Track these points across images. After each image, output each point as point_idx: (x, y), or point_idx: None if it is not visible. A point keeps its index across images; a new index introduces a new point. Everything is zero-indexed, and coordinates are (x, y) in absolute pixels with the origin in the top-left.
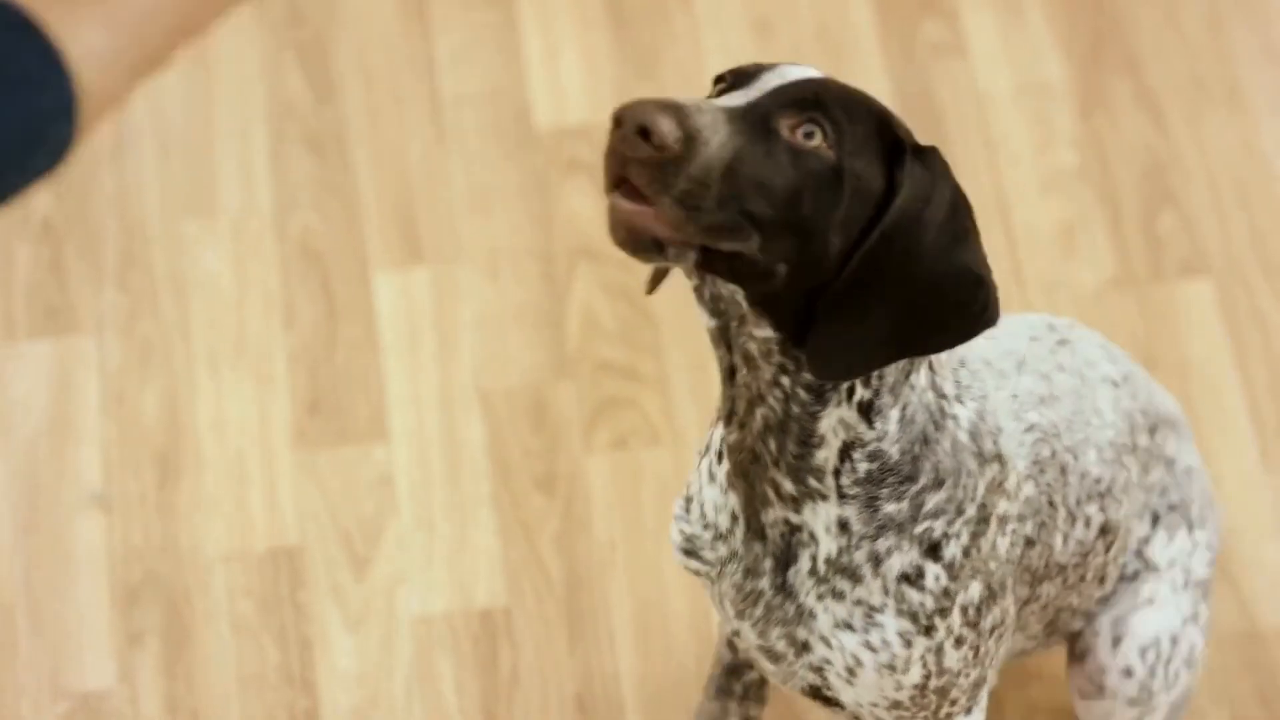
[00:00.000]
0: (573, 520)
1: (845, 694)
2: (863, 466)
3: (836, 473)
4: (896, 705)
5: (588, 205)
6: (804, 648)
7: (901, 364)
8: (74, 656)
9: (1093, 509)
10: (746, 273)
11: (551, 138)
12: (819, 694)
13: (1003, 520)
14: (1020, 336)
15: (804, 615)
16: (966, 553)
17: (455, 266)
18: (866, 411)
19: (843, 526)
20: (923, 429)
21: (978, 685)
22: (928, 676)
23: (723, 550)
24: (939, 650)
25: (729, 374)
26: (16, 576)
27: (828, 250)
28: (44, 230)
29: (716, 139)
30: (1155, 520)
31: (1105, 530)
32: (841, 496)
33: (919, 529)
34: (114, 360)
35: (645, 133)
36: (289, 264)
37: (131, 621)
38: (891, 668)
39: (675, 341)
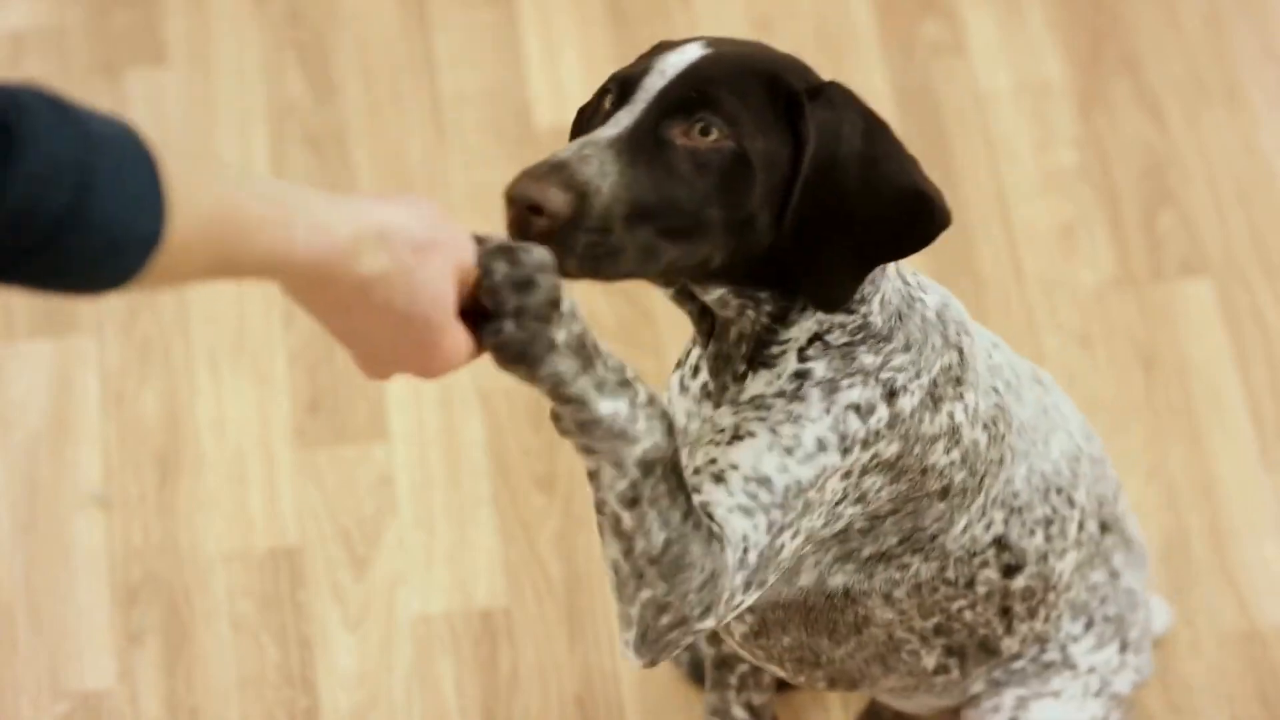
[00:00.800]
0: (573, 519)
1: (709, 452)
2: (841, 340)
3: (800, 350)
4: (764, 482)
5: None
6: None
7: None
8: (74, 656)
9: (998, 515)
10: (678, 271)
11: (551, 136)
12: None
13: (953, 431)
14: (1000, 340)
15: (709, 421)
16: (912, 413)
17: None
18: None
19: (798, 375)
20: (898, 307)
21: (798, 550)
22: (812, 484)
23: (694, 427)
24: (834, 472)
25: (701, 312)
26: (16, 576)
27: (755, 225)
28: None
29: (608, 184)
30: (1089, 624)
31: (1002, 544)
32: (802, 359)
33: (884, 375)
34: (114, 360)
35: (536, 208)
36: None
37: (131, 621)
38: (788, 451)
39: (675, 340)
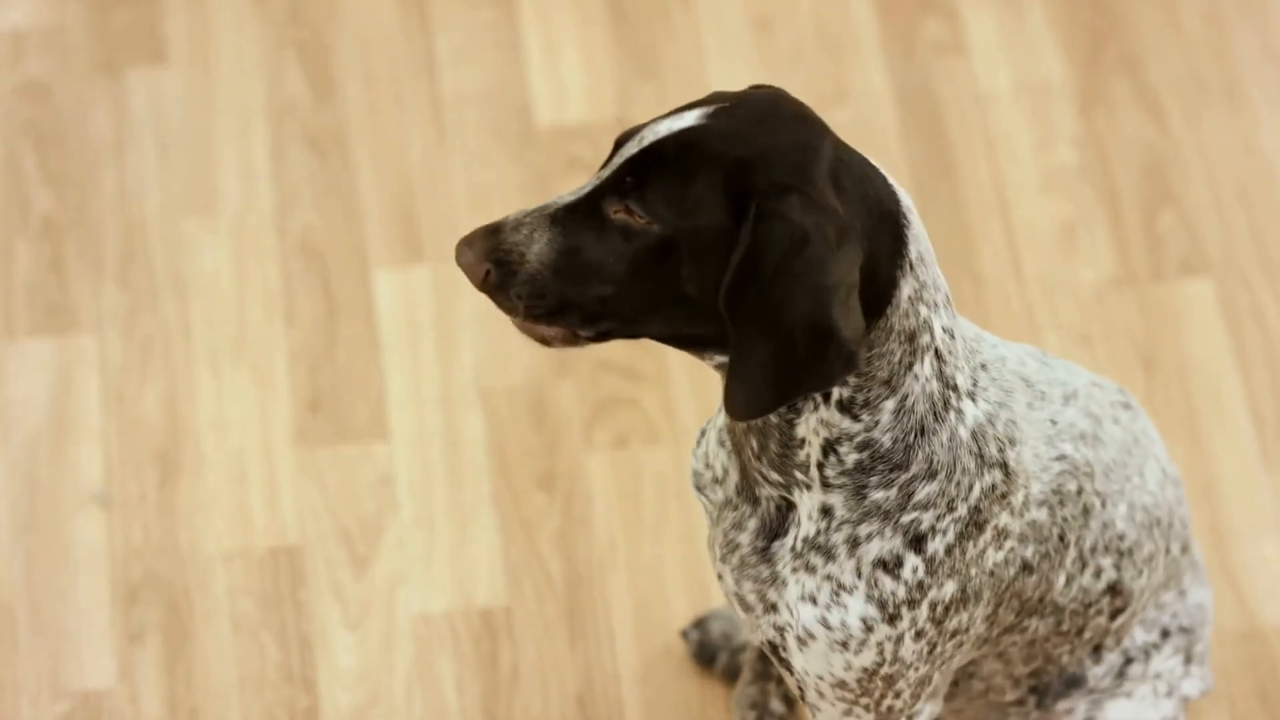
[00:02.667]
0: (573, 519)
1: (796, 659)
2: (851, 458)
3: (820, 465)
4: (841, 685)
5: None
6: (771, 608)
7: (900, 355)
8: (74, 655)
9: (1106, 561)
10: (650, 334)
11: (552, 136)
12: (776, 652)
13: (1001, 534)
14: (1079, 376)
15: (776, 581)
16: (949, 551)
17: (456, 265)
18: (849, 408)
19: (825, 511)
20: (921, 419)
21: (922, 683)
22: (880, 663)
23: (719, 495)
24: (898, 640)
25: None
26: (16, 575)
27: (691, 305)
28: (44, 228)
29: (534, 250)
30: (1165, 634)
31: (1115, 591)
32: (825, 485)
33: (906, 518)
34: (114, 359)
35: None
36: (289, 262)
37: (131, 620)
38: (844, 646)
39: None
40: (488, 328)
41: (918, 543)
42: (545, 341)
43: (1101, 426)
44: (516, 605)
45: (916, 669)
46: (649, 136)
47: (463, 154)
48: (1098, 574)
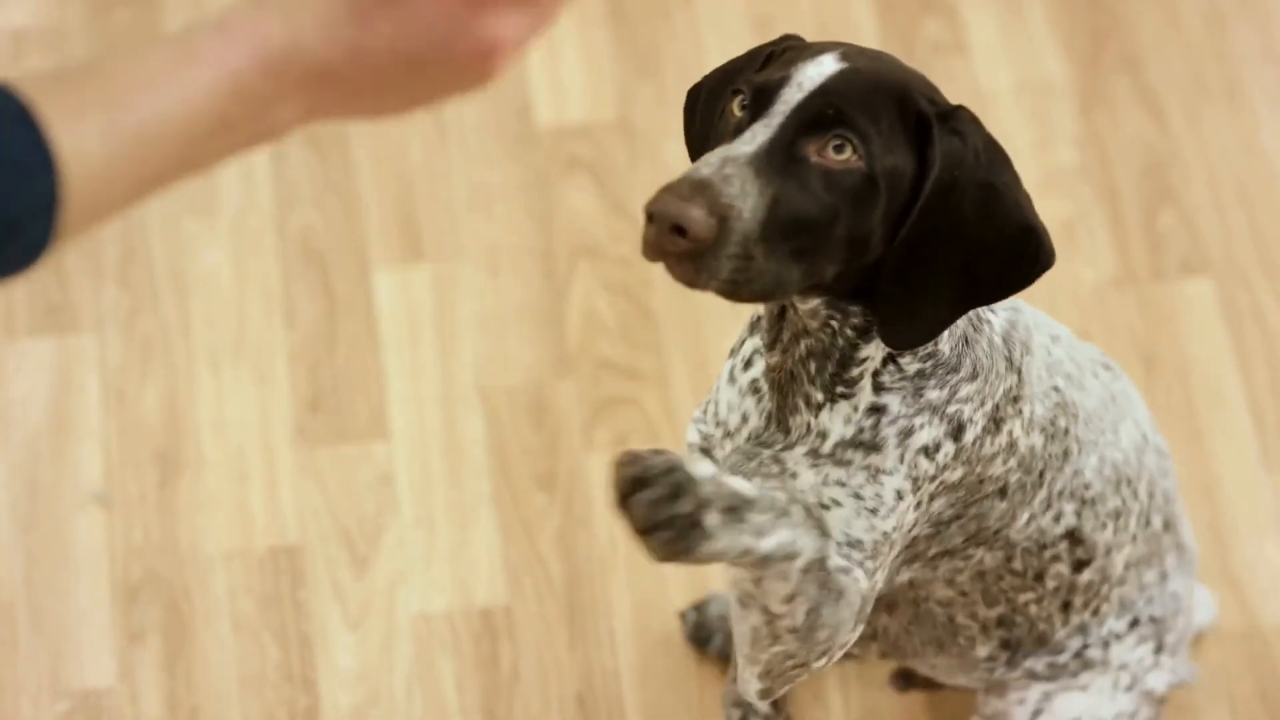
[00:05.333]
0: (573, 518)
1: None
2: (913, 367)
3: (875, 374)
4: (856, 545)
5: (588, 203)
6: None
7: None
8: (74, 655)
9: (1068, 507)
10: (797, 290)
11: (552, 136)
12: None
13: (1012, 447)
14: (1063, 330)
15: (784, 473)
16: (975, 441)
17: (455, 264)
18: None
19: (873, 410)
20: (964, 331)
21: (879, 570)
22: (897, 527)
23: (728, 448)
24: (914, 507)
25: (778, 315)
26: (17, 574)
27: (870, 242)
28: None
29: (749, 205)
30: (1134, 623)
31: (1074, 538)
32: (878, 389)
33: (950, 409)
34: (114, 358)
35: (679, 229)
36: (289, 262)
37: (132, 620)
38: (874, 512)
39: (675, 340)
40: (488, 328)
41: (958, 432)
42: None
43: (1084, 375)
44: (516, 605)
45: (897, 549)
46: (808, 81)
47: (463, 154)
48: (1058, 518)
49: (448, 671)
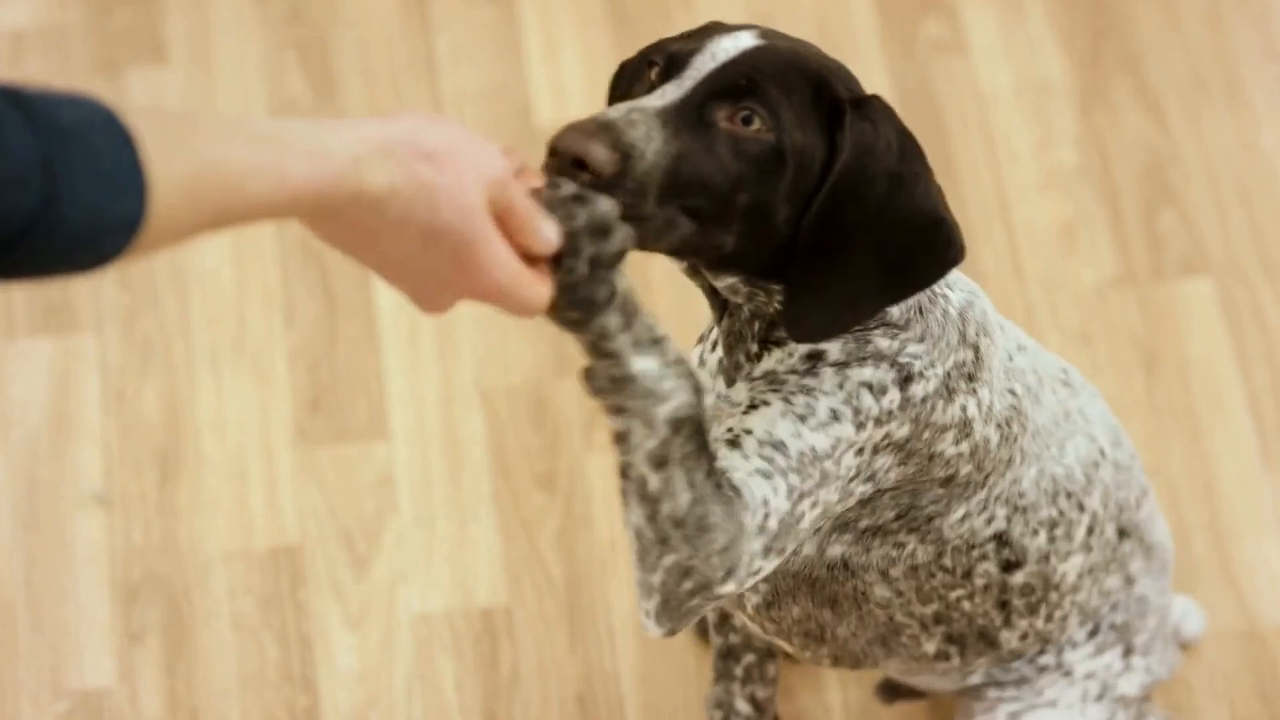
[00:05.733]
0: (573, 518)
1: (728, 421)
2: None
3: None
4: (779, 447)
5: None
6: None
7: None
8: (74, 654)
9: (1000, 511)
10: (691, 250)
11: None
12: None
13: (964, 425)
14: (1031, 342)
15: (732, 402)
16: (924, 400)
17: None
18: None
19: (811, 356)
20: (918, 300)
21: (824, 514)
22: (828, 454)
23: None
24: (851, 447)
25: (711, 290)
26: (17, 574)
27: (775, 219)
28: None
29: (651, 148)
30: (1094, 631)
31: (1002, 541)
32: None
33: (900, 359)
34: (114, 358)
35: (580, 162)
36: (289, 262)
37: (132, 620)
38: (802, 419)
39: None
40: (488, 328)
41: (905, 381)
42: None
43: (1043, 387)
44: (516, 605)
45: (831, 492)
46: (722, 53)
47: None
48: (989, 520)
49: (448, 671)
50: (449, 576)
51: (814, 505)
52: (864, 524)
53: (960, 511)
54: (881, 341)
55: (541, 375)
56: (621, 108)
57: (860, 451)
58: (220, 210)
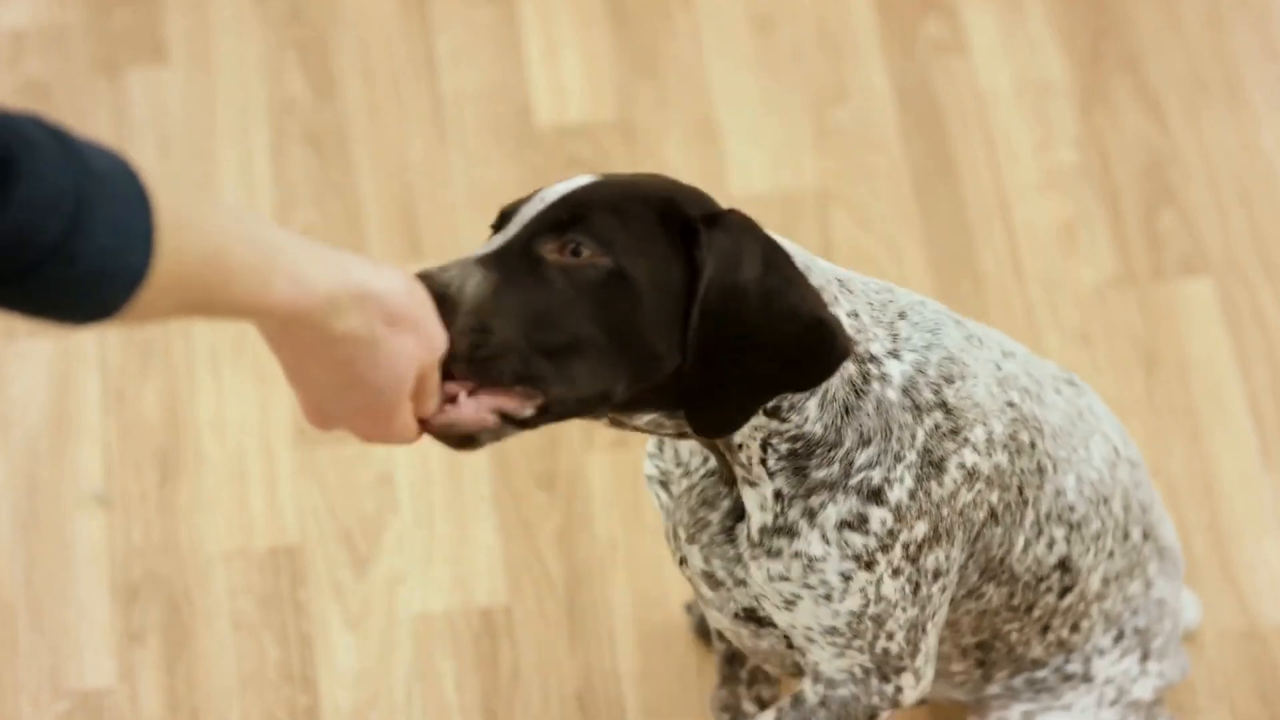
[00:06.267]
0: (573, 518)
1: (779, 617)
2: (784, 447)
3: (763, 460)
4: (832, 630)
5: None
6: (740, 582)
7: None
8: (74, 654)
9: (1059, 533)
10: (588, 407)
11: (552, 135)
12: (754, 616)
13: (971, 474)
14: (1020, 347)
15: (740, 560)
16: (913, 495)
17: None
18: (775, 413)
19: (777, 496)
20: (844, 401)
21: (915, 628)
22: (865, 604)
23: (683, 484)
24: (878, 582)
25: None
26: (17, 574)
27: (655, 353)
28: None
29: (470, 285)
30: (1119, 637)
31: (1065, 567)
32: (771, 474)
33: (853, 480)
34: (114, 358)
35: None
36: None
37: (132, 620)
38: (828, 599)
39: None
40: None
41: (877, 496)
42: (468, 439)
43: (1044, 390)
44: (516, 605)
45: (904, 609)
46: (552, 195)
47: (463, 154)
48: (1050, 545)
49: (448, 671)
50: (449, 576)
51: (892, 636)
52: (960, 592)
53: (1020, 541)
54: (819, 472)
55: None
56: (444, 263)
57: (896, 572)
58: (205, 296)
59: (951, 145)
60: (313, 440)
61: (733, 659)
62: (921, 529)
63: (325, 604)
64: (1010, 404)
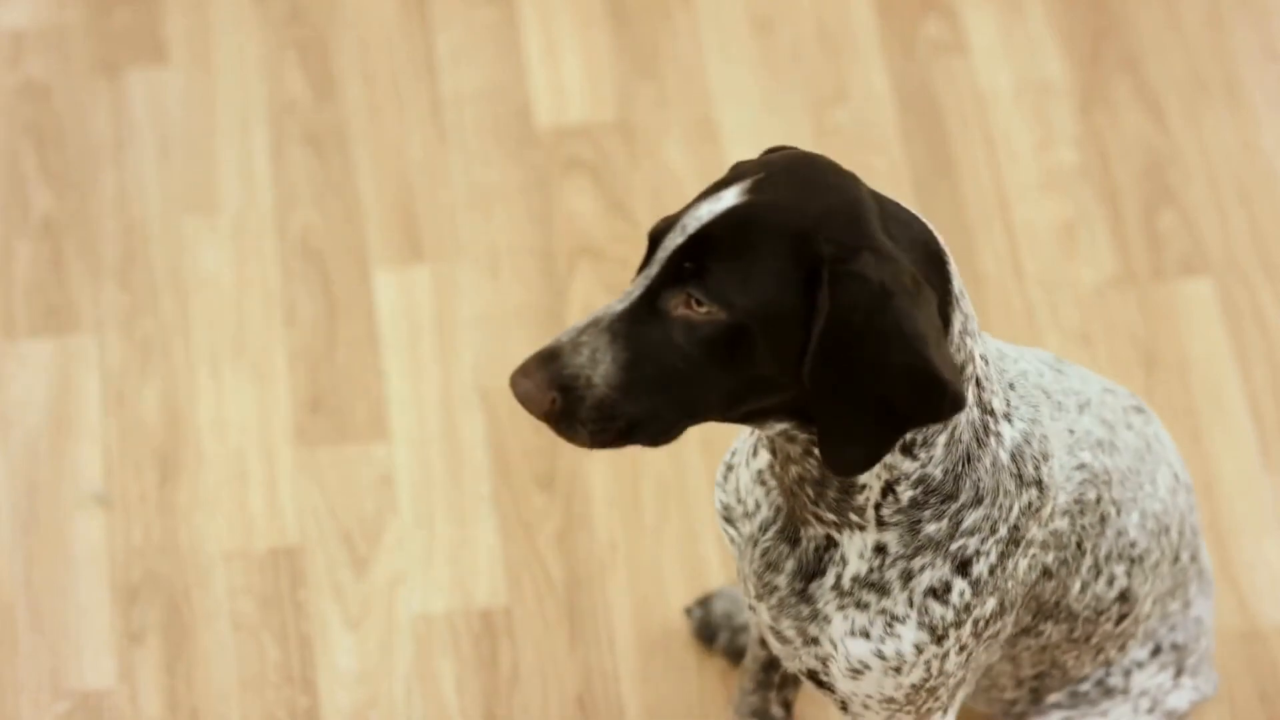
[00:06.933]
0: (573, 519)
1: (842, 685)
2: (907, 495)
3: (878, 506)
4: (890, 701)
5: (588, 204)
6: (812, 641)
7: None
8: (74, 655)
9: (1119, 569)
10: (717, 419)
11: (552, 136)
12: (815, 677)
13: (1028, 544)
14: (1091, 383)
15: (818, 617)
16: (992, 571)
17: (455, 265)
18: (910, 449)
19: (878, 550)
20: (967, 447)
21: (960, 686)
22: (927, 679)
23: (748, 528)
24: (944, 656)
25: (769, 442)
26: (16, 575)
27: (769, 380)
28: (44, 228)
29: (600, 371)
30: (1156, 651)
31: (1124, 598)
32: (880, 524)
33: (954, 545)
34: (114, 359)
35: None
36: (289, 262)
37: (131, 620)
38: (897, 670)
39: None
40: (488, 328)
41: (964, 567)
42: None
43: (1115, 433)
44: (516, 605)
45: (957, 677)
46: (692, 224)
47: (463, 154)
48: (1110, 581)
49: (447, 672)
50: (449, 577)
51: (942, 695)
52: (1010, 632)
53: (1076, 585)
54: (930, 526)
55: None
56: (578, 325)
57: (961, 650)
58: None
59: (951, 145)
60: (313, 440)
61: (770, 666)
62: (991, 605)
63: (325, 604)
64: (1080, 466)
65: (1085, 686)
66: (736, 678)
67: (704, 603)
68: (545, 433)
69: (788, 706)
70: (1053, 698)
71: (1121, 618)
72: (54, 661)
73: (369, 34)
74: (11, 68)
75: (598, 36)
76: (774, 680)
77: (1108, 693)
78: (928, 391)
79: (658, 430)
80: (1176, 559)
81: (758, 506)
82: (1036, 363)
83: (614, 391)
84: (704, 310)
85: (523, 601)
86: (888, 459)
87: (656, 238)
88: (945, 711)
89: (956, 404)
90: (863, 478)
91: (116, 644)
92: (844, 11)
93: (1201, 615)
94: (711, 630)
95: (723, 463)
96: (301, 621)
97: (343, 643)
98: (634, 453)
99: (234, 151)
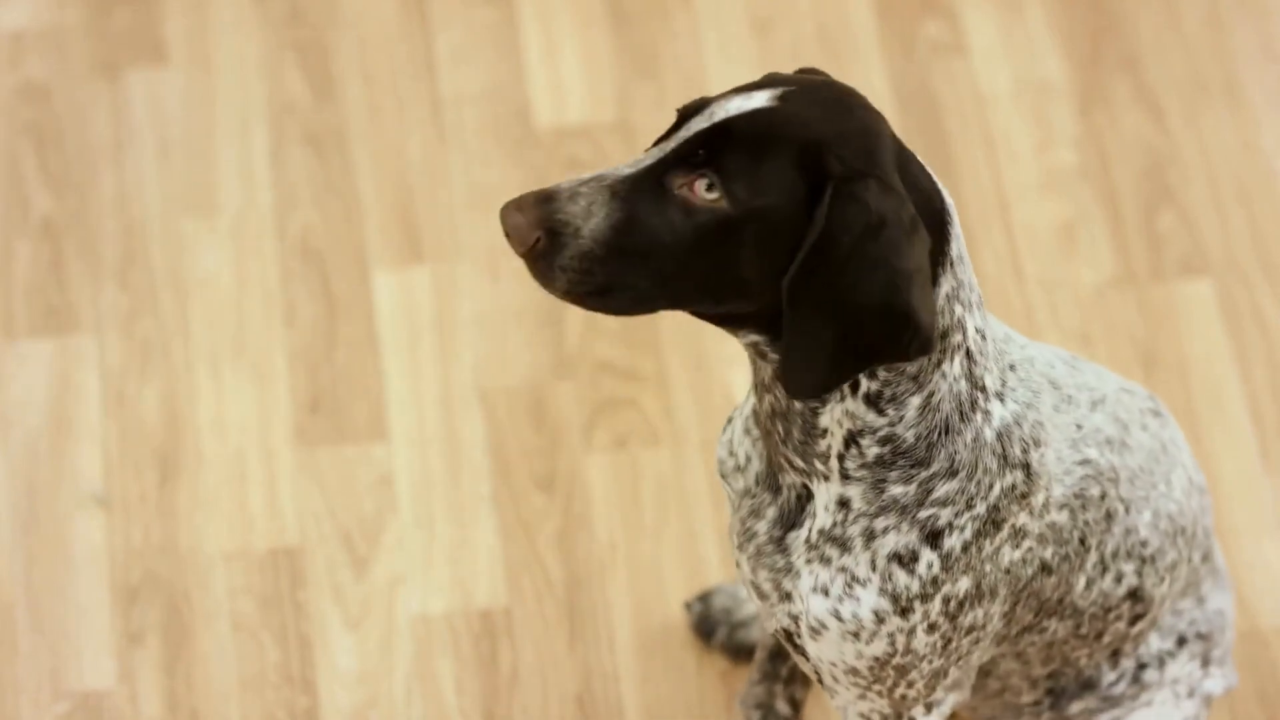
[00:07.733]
0: (573, 520)
1: (810, 647)
2: (872, 451)
3: (840, 457)
4: (853, 671)
5: None
6: (785, 596)
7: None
8: (73, 656)
9: (1128, 567)
10: (688, 309)
11: (551, 136)
12: (791, 639)
13: (1018, 533)
14: (1107, 381)
15: (791, 570)
16: (965, 548)
17: (455, 265)
18: (875, 401)
19: (841, 504)
20: (946, 417)
21: (937, 676)
22: (891, 654)
23: (739, 483)
24: (910, 632)
25: (750, 362)
26: (16, 575)
27: (746, 284)
28: (44, 229)
29: (590, 224)
30: (1181, 642)
31: (1136, 597)
32: (845, 478)
33: (923, 514)
34: (114, 359)
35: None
36: (289, 263)
37: (131, 621)
38: (855, 636)
39: (674, 341)
40: (488, 328)
41: (934, 538)
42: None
43: (1129, 433)
44: (516, 605)
45: (930, 661)
46: (719, 112)
47: (463, 154)
48: (1119, 579)
49: (447, 672)
50: (448, 577)
51: (911, 684)
52: (1012, 631)
53: (1080, 581)
54: (896, 488)
55: (541, 377)
56: (583, 177)
57: (931, 629)
58: None
59: (951, 146)
60: (312, 441)
61: (777, 656)
62: (965, 584)
63: (325, 605)
64: (1084, 461)
65: (1120, 687)
66: (739, 674)
67: (704, 598)
68: (545, 433)
69: (795, 705)
70: (1078, 706)
71: (1136, 618)
72: (54, 662)
73: (369, 34)
74: (11, 68)
75: (597, 37)
76: (780, 672)
77: (1144, 687)
78: (898, 327)
79: (631, 299)
80: (1189, 560)
81: (748, 460)
82: (1050, 355)
83: (598, 248)
84: (708, 198)
85: (522, 602)
86: (850, 407)
87: (684, 116)
88: (927, 709)
89: (924, 347)
90: (824, 421)
91: (116, 644)
92: (844, 12)
93: (1223, 608)
94: (710, 625)
95: (728, 416)
96: (301, 622)
97: (342, 643)
98: (634, 453)
99: (234, 152)
